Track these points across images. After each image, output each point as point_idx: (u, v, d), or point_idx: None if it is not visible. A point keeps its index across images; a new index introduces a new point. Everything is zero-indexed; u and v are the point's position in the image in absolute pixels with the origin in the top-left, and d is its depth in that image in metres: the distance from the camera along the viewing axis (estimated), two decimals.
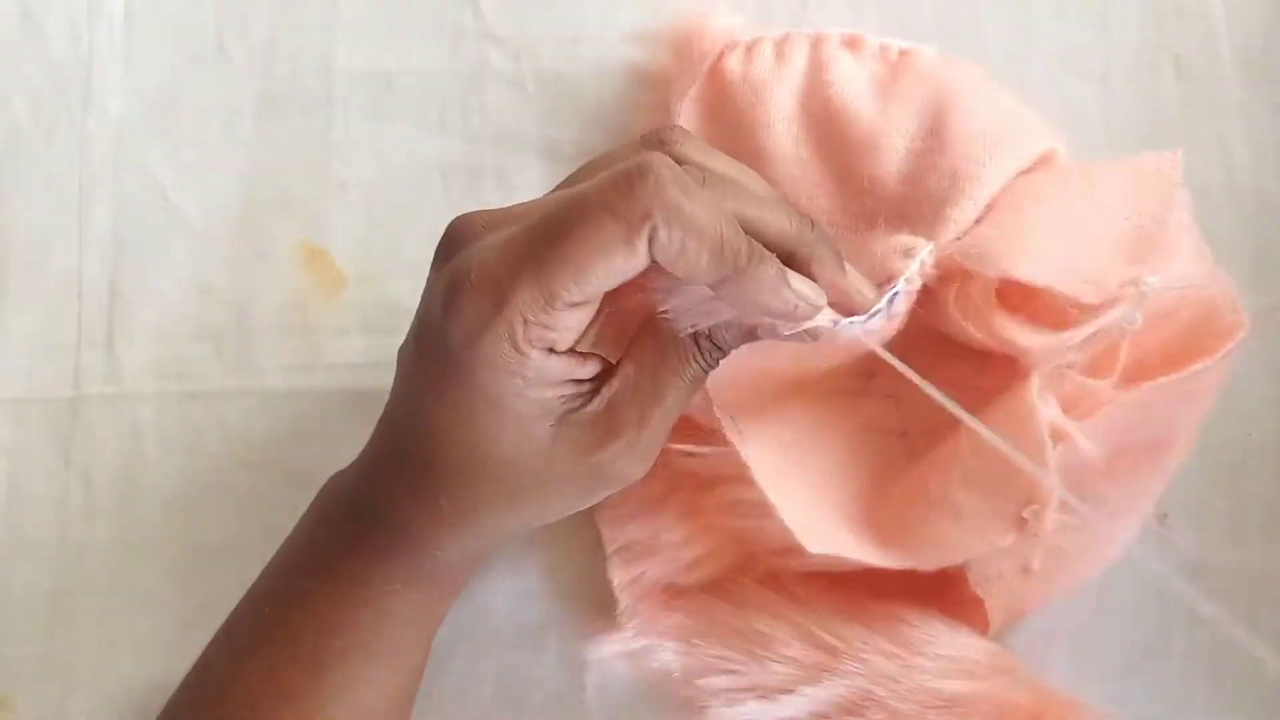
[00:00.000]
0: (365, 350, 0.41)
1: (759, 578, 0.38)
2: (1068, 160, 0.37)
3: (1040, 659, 0.38)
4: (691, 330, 0.31)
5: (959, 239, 0.34)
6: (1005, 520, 0.33)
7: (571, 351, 0.30)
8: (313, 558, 0.34)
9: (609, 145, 0.42)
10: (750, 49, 0.38)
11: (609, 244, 0.27)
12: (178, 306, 0.42)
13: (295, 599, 0.34)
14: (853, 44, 0.38)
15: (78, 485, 0.41)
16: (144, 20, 0.43)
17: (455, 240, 0.31)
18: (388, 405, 0.34)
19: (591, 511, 0.38)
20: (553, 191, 0.32)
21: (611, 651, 0.38)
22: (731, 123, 0.38)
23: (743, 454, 0.34)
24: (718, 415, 0.35)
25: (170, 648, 0.39)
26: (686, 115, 0.38)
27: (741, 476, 0.35)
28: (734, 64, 0.38)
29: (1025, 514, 0.33)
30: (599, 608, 0.39)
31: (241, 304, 0.42)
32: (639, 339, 0.32)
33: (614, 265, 0.28)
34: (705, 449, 0.37)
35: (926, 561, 0.35)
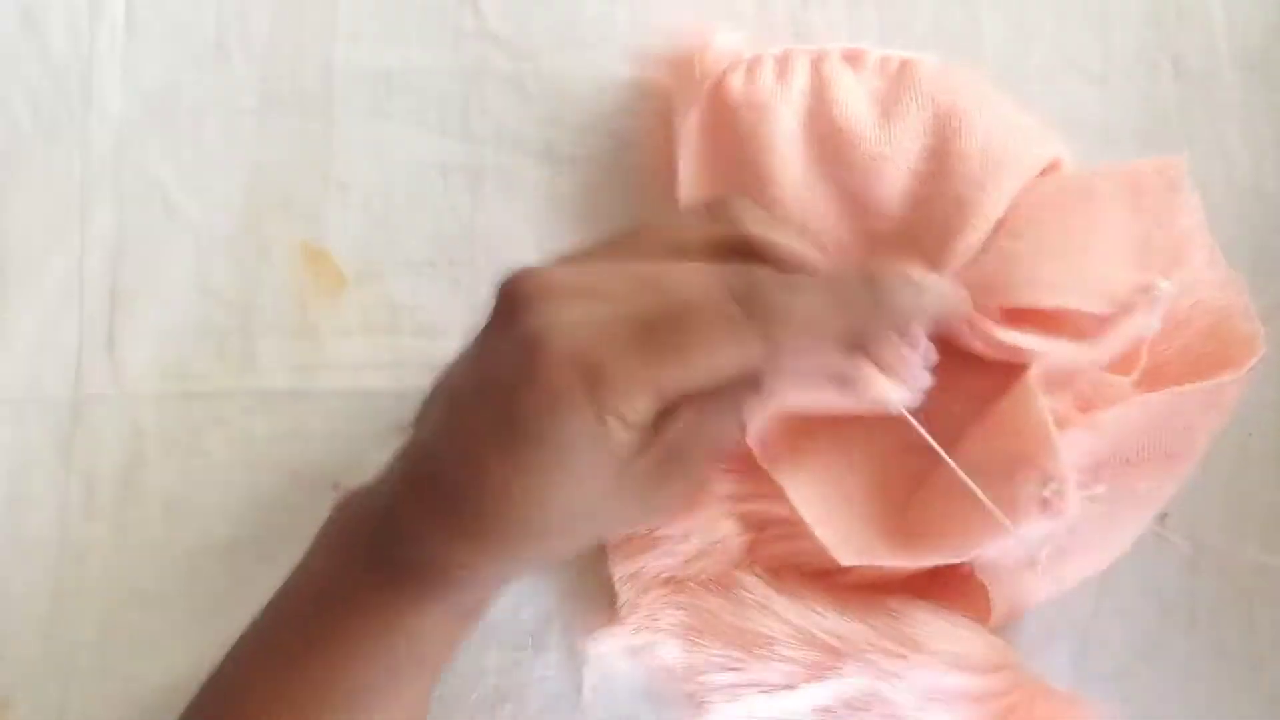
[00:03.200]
0: (366, 350, 0.41)
1: (759, 573, 0.38)
2: (1070, 167, 0.37)
3: (1040, 657, 0.38)
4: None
5: (967, 266, 0.35)
6: (1026, 501, 0.33)
7: None
8: (332, 585, 0.33)
9: (609, 146, 0.42)
10: (751, 68, 0.37)
11: (728, 355, 0.29)
12: (179, 307, 0.42)
13: (310, 618, 0.33)
14: (853, 59, 0.37)
15: (78, 485, 0.41)
16: (144, 20, 0.43)
17: (523, 301, 0.29)
18: (420, 436, 0.32)
19: None
20: (607, 247, 0.32)
21: (612, 647, 0.38)
22: (735, 144, 0.37)
23: (780, 480, 0.37)
24: (754, 448, 0.37)
25: (170, 648, 0.39)
26: (689, 137, 0.38)
27: (768, 494, 0.37)
28: (736, 83, 0.37)
29: (1047, 493, 0.33)
30: (600, 605, 0.39)
31: (242, 304, 0.42)
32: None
33: (726, 373, 0.29)
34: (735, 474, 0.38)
35: (957, 553, 0.35)
